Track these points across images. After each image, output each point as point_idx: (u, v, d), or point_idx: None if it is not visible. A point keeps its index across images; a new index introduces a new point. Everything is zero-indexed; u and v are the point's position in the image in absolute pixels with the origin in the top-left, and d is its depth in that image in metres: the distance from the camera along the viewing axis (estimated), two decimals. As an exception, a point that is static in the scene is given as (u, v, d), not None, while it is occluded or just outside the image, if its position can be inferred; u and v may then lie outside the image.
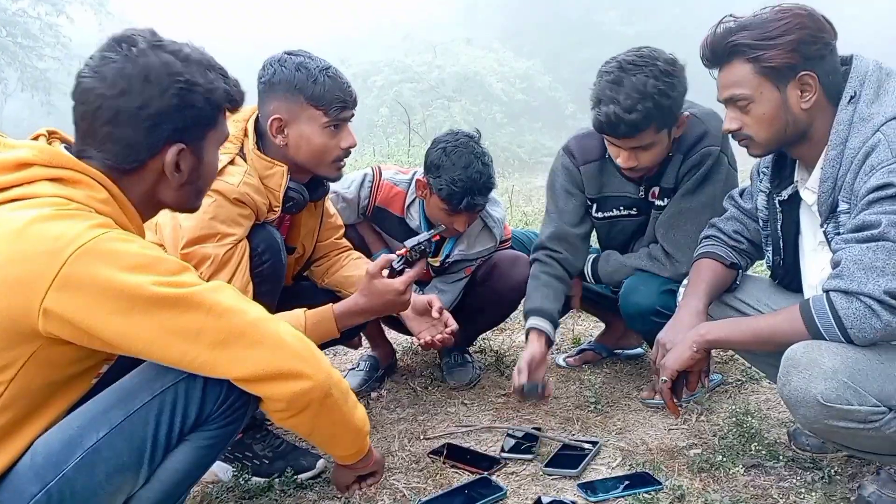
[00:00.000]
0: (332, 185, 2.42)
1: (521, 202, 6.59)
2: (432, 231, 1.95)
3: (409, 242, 1.85)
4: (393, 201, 2.50)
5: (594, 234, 2.54)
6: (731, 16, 1.68)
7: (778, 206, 1.85)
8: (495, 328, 3.09)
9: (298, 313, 1.79)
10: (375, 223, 2.55)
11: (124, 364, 1.32)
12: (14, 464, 1.21)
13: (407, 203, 2.48)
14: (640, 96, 2.01)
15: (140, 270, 1.17)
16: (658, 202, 2.32)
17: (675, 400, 1.79)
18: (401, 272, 1.82)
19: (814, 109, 1.64)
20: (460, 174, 2.28)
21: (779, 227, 1.86)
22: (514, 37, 20.64)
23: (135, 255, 1.18)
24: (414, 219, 2.49)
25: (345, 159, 1.99)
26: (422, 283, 2.59)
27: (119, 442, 1.23)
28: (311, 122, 1.89)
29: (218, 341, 1.21)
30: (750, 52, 1.63)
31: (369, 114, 14.11)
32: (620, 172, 2.30)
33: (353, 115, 1.97)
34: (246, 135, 1.92)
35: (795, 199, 1.81)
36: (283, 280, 1.99)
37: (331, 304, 1.79)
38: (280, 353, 1.26)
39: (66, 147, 1.31)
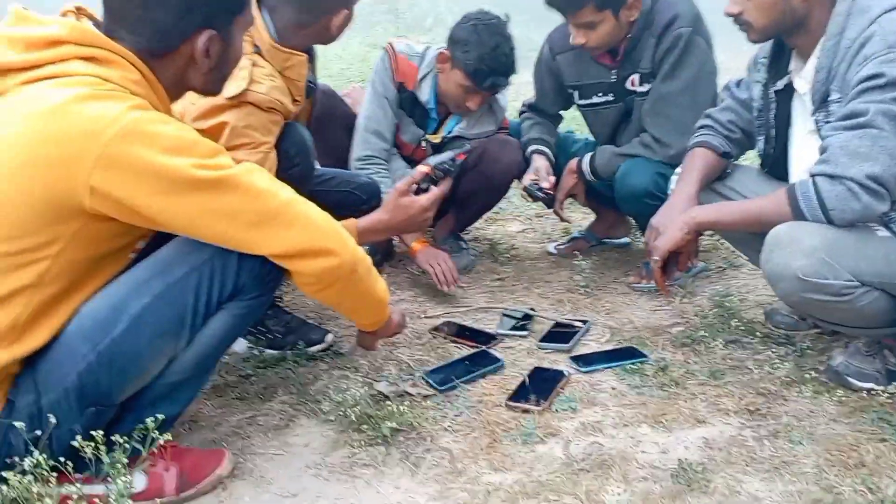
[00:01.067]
0: (372, 91, 2.54)
1: (510, 97, 6.56)
2: (457, 150, 1.95)
3: (433, 160, 1.84)
4: (408, 76, 2.54)
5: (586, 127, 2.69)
6: None
7: (773, 96, 1.90)
8: (488, 218, 3.20)
9: None
10: None
11: (160, 240, 1.39)
12: (61, 330, 1.30)
13: (419, 77, 2.53)
14: None
15: (179, 152, 1.22)
16: (639, 89, 2.42)
17: (664, 279, 1.92)
18: (426, 190, 1.82)
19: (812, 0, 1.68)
20: (489, 52, 2.35)
21: (772, 117, 1.92)
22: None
23: (173, 137, 1.23)
24: (424, 93, 2.55)
25: None
26: (412, 161, 2.65)
27: (162, 309, 1.32)
28: (348, 4, 1.93)
29: (254, 221, 1.29)
30: None
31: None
32: (593, 58, 2.44)
33: None
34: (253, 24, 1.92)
35: (789, 90, 1.87)
36: (311, 181, 2.04)
37: (354, 218, 1.79)
38: (310, 232, 1.35)
39: (95, 25, 1.32)
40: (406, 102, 2.59)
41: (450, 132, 2.62)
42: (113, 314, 1.29)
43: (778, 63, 1.90)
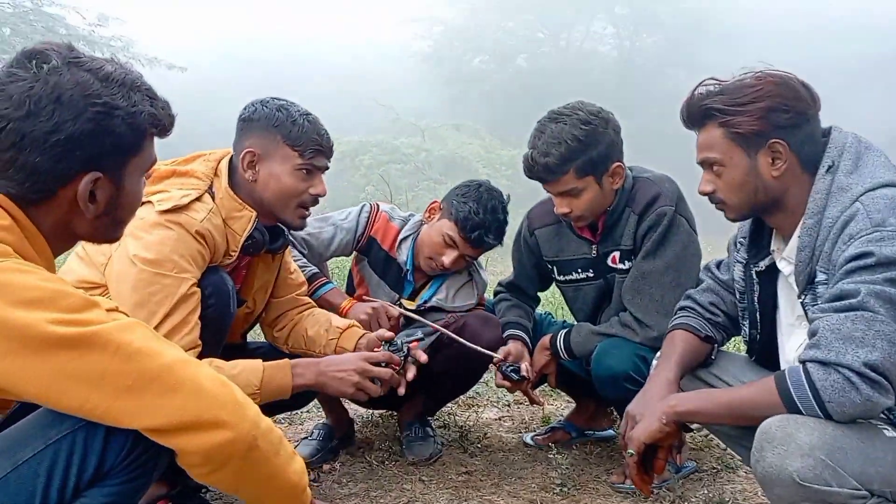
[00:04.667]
0: (333, 217, 2.49)
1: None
2: (413, 338, 1.90)
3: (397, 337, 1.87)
4: (386, 235, 2.51)
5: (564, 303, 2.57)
6: (712, 78, 1.69)
7: (755, 277, 1.79)
8: (461, 403, 2.96)
9: (257, 362, 1.74)
10: (364, 254, 2.54)
11: (24, 413, 1.17)
12: None
13: (399, 239, 2.50)
14: (555, 141, 2.15)
15: (35, 306, 1.05)
16: (620, 266, 2.32)
17: (644, 477, 1.67)
18: None
19: (786, 177, 1.62)
20: (483, 208, 2.36)
21: (755, 299, 1.79)
22: (500, 126, 21.13)
23: (30, 289, 1.06)
24: (402, 254, 2.49)
25: (311, 207, 1.96)
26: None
27: (3, 497, 1.07)
28: (285, 161, 1.88)
29: (125, 387, 1.07)
30: (721, 117, 1.63)
31: (355, 191, 14.17)
32: (572, 230, 2.38)
33: (327, 167, 1.96)
34: (217, 174, 1.89)
35: (773, 271, 1.76)
36: (227, 329, 1.87)
37: (288, 359, 1.71)
38: (197, 400, 1.12)
39: None
40: (378, 262, 2.50)
41: (426, 301, 2.48)
42: None
43: (758, 242, 1.81)
